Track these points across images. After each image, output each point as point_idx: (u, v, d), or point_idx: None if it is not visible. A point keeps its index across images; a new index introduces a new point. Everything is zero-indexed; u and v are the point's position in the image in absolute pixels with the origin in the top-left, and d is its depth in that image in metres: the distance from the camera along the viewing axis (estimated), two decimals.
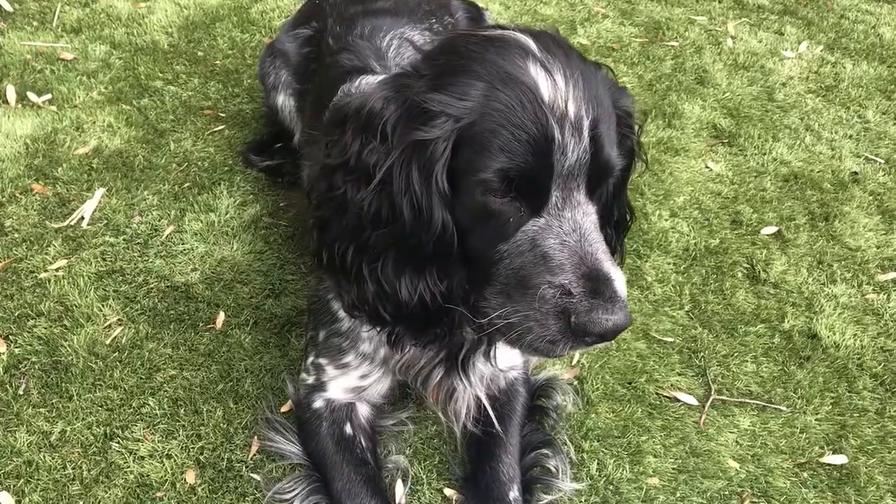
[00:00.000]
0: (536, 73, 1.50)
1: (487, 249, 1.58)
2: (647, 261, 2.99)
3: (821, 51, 4.32)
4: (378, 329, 1.79)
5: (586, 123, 1.50)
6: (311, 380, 2.25)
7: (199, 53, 3.74)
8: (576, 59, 1.58)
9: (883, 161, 3.61)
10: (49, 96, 3.39)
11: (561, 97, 1.49)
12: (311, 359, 2.26)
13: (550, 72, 1.50)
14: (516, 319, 1.55)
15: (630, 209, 1.98)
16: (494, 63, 1.52)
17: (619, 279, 1.51)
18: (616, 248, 1.98)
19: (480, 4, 4.19)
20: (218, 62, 3.70)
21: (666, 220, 3.17)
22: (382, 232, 1.60)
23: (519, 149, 1.48)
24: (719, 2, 4.69)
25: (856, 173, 3.53)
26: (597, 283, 1.49)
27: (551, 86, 1.49)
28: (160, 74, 3.58)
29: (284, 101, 3.00)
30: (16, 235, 2.79)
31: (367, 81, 2.39)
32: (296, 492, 2.14)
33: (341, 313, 2.13)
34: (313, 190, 1.75)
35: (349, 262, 1.67)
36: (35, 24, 3.82)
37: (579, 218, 1.54)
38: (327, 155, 1.68)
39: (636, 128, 1.77)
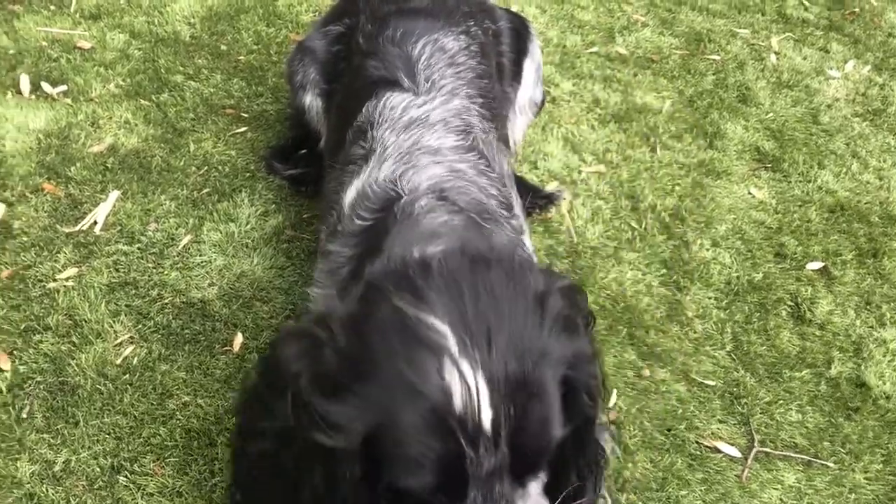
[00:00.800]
0: (450, 378, 1.30)
1: None
2: (687, 294, 2.83)
3: (868, 71, 4.14)
4: None
5: (504, 433, 1.31)
6: None
7: (223, 47, 3.57)
8: (509, 312, 1.38)
9: None
10: (64, 87, 3.22)
11: (475, 405, 1.29)
12: None
13: (463, 374, 1.30)
14: None
15: (600, 448, 1.77)
16: (402, 366, 1.32)
17: None
18: (595, 486, 1.77)
19: (515, 7, 4.02)
20: (242, 57, 3.54)
21: (707, 249, 3.01)
22: None
23: (427, 464, 1.30)
24: (762, 14, 4.50)
25: None
26: None
27: (465, 392, 1.29)
28: (181, 68, 3.42)
29: (312, 100, 2.82)
30: (24, 239, 2.64)
31: (393, 103, 2.23)
32: None
33: None
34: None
35: None
36: (52, 7, 3.64)
37: None
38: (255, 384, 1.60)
39: (592, 378, 1.53)
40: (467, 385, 1.29)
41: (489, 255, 1.50)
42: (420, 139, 2.10)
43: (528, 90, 2.99)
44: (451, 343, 1.32)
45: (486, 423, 1.29)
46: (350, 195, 2.03)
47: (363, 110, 2.28)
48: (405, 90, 2.28)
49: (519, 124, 3.03)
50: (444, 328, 1.33)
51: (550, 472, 1.47)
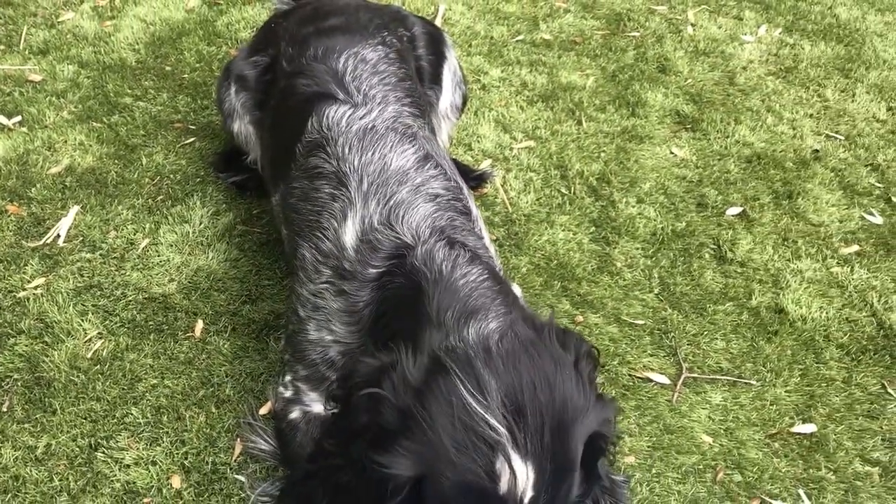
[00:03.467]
0: (500, 468, 1.53)
1: None
2: (615, 247, 3.05)
3: (779, 33, 4.41)
4: None
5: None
6: (288, 394, 2.29)
7: (167, 68, 3.78)
8: (560, 396, 1.61)
9: (843, 138, 3.70)
10: (19, 118, 3.42)
11: (519, 491, 1.53)
12: (288, 377, 2.31)
13: (514, 468, 1.53)
14: None
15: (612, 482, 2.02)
16: (459, 448, 1.54)
17: None
18: None
19: (443, 6, 4.27)
20: (186, 76, 3.74)
21: (633, 206, 3.24)
22: None
23: None
24: None
25: (817, 151, 3.61)
26: None
27: (511, 480, 1.53)
28: (129, 91, 3.62)
29: (240, 127, 2.97)
30: None
31: (336, 117, 2.38)
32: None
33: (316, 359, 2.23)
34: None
35: None
36: (2, 47, 3.84)
37: None
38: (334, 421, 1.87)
39: (608, 441, 1.76)
40: (515, 476, 1.52)
41: (537, 338, 1.73)
42: (385, 160, 2.26)
43: (448, 96, 3.13)
44: (507, 441, 1.53)
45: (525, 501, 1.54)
46: (350, 236, 2.15)
47: (308, 126, 2.43)
48: (342, 102, 2.44)
49: (444, 129, 3.17)
50: (502, 429, 1.55)
51: None
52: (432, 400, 1.58)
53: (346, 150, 2.30)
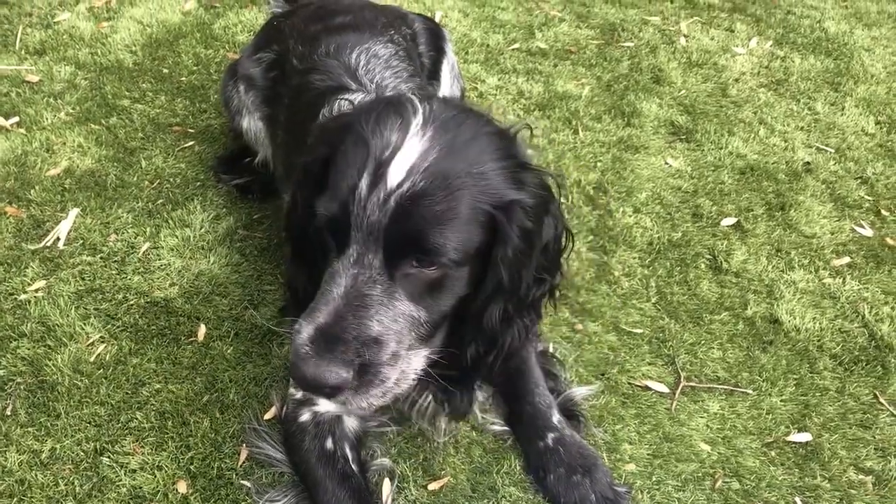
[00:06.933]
0: (389, 135, 1.68)
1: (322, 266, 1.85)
2: (613, 256, 3.09)
3: (770, 46, 4.48)
4: None
5: (399, 191, 1.64)
6: (299, 395, 2.30)
7: (165, 71, 3.78)
8: (463, 133, 1.72)
9: (833, 150, 3.76)
10: (17, 119, 3.40)
11: (394, 162, 1.65)
12: None
13: (404, 136, 1.67)
14: None
15: (536, 281, 2.02)
16: (367, 122, 1.73)
17: (307, 333, 1.68)
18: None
19: (440, 13, 4.29)
20: (184, 79, 3.74)
21: (630, 216, 3.28)
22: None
23: (338, 195, 1.70)
24: (671, 2, 4.83)
25: (808, 163, 3.67)
26: (320, 337, 1.68)
27: (391, 149, 1.67)
28: (127, 93, 3.61)
29: (250, 124, 3.00)
30: None
31: (345, 104, 2.41)
32: (286, 499, 2.21)
33: None
34: None
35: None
36: None
37: (360, 279, 1.70)
38: None
39: (521, 228, 1.77)
40: (397, 145, 1.66)
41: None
42: None
43: (446, 89, 3.22)
44: (420, 113, 1.71)
45: (392, 176, 1.64)
46: None
47: (320, 117, 2.44)
48: (354, 91, 2.48)
49: None
50: (417, 104, 1.75)
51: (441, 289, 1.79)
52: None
53: None
